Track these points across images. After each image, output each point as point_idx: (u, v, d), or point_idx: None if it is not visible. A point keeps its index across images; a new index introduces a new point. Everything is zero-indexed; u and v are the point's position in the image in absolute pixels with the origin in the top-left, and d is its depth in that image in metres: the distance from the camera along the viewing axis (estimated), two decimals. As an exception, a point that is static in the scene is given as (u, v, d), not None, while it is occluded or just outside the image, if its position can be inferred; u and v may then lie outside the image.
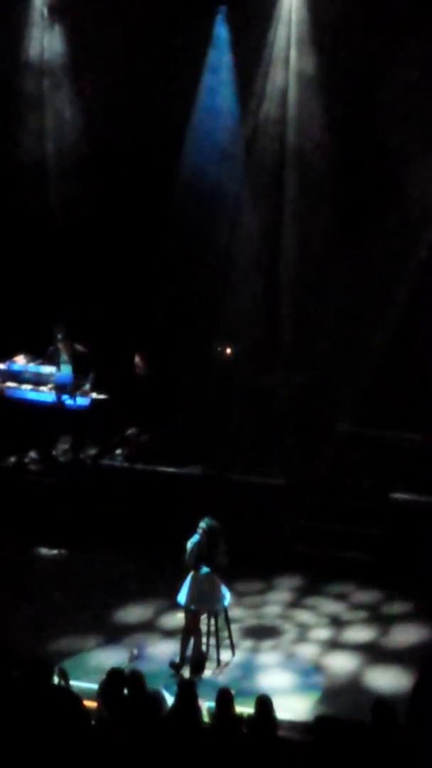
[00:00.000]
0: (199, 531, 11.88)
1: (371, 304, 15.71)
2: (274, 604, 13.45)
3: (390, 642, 12.57)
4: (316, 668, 11.96)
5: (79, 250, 16.73)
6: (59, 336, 15.36)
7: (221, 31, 16.33)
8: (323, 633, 12.72)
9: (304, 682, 11.66)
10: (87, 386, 15.25)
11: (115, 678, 8.99)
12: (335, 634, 12.72)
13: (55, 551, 14.63)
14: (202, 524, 11.90)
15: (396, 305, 15.58)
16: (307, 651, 12.32)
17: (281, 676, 11.78)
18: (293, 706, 10.82)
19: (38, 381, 15.51)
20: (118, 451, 15.53)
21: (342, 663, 12.08)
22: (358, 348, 15.69)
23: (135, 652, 10.32)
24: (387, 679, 11.59)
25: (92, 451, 15.52)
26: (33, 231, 17.10)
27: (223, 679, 11.48)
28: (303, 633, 12.72)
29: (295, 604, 13.45)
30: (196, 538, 11.88)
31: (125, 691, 8.99)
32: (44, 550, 14.64)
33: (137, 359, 15.56)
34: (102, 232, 16.54)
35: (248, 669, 11.90)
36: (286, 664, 12.03)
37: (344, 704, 10.92)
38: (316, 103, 16.02)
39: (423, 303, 15.43)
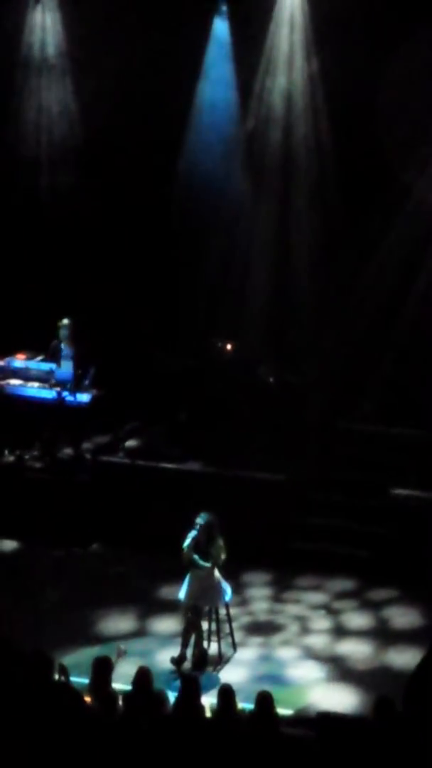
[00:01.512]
0: (197, 526, 11.88)
1: (374, 300, 15.71)
2: (276, 599, 13.45)
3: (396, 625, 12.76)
4: (336, 657, 12.06)
5: (79, 245, 16.73)
6: (64, 331, 15.32)
7: (221, 27, 16.32)
8: (325, 625, 12.82)
9: (328, 671, 11.80)
10: (86, 382, 15.22)
11: (101, 667, 9.02)
12: (337, 625, 12.81)
13: (55, 547, 14.61)
14: (199, 520, 11.90)
15: (398, 301, 15.58)
16: (316, 643, 12.39)
17: (307, 667, 11.87)
18: (324, 696, 11.10)
19: (38, 378, 15.47)
20: (120, 446, 15.52)
21: (358, 649, 12.22)
22: (361, 344, 15.69)
23: (123, 647, 10.26)
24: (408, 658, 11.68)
25: (92, 448, 15.51)
26: (32, 227, 17.08)
27: (234, 676, 11.48)
28: (304, 626, 12.77)
29: (294, 599, 13.45)
30: (193, 533, 11.88)
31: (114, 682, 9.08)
32: (45, 547, 14.61)
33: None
34: (102, 228, 16.54)
35: (270, 663, 11.98)
36: (305, 656, 12.12)
37: (373, 687, 11.00)
38: (316, 100, 16.02)
39: (425, 299, 15.43)
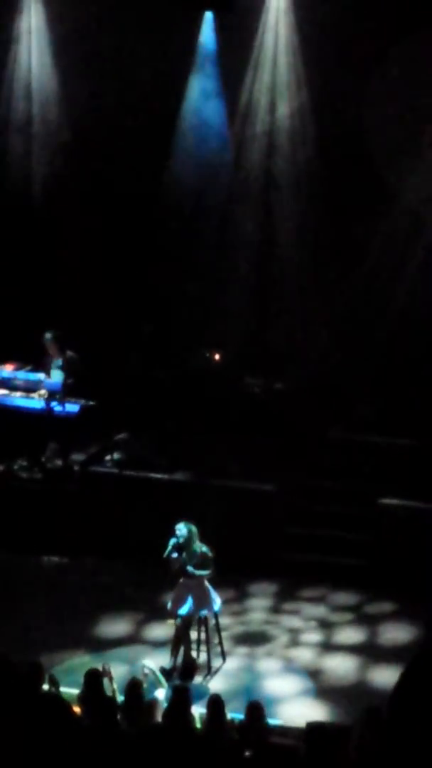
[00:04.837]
0: (177, 535, 11.88)
1: (362, 309, 15.74)
2: (265, 609, 13.44)
3: (384, 641, 12.68)
4: (315, 671, 12.00)
5: (66, 253, 16.73)
6: (48, 340, 15.35)
7: (208, 37, 16.35)
8: (315, 637, 12.77)
9: (306, 685, 11.72)
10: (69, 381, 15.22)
11: (92, 680, 9.03)
12: (327, 637, 12.77)
13: (43, 558, 14.58)
14: (180, 527, 11.90)
15: (387, 310, 15.60)
16: (303, 655, 12.35)
17: (282, 681, 11.81)
18: (299, 711, 10.96)
19: (27, 388, 15.47)
20: (108, 458, 15.51)
21: (339, 665, 12.14)
22: (350, 354, 15.72)
23: (107, 668, 10.18)
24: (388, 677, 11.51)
25: (81, 458, 15.50)
26: (20, 233, 17.08)
27: (224, 686, 11.49)
28: (294, 638, 12.74)
29: (285, 609, 13.44)
30: (173, 541, 11.88)
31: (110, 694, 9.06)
32: (33, 557, 14.58)
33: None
34: (89, 236, 16.55)
35: (248, 676, 11.92)
36: (285, 669, 12.07)
37: (349, 705, 10.95)
38: (303, 106, 16.05)
39: (414, 308, 15.45)
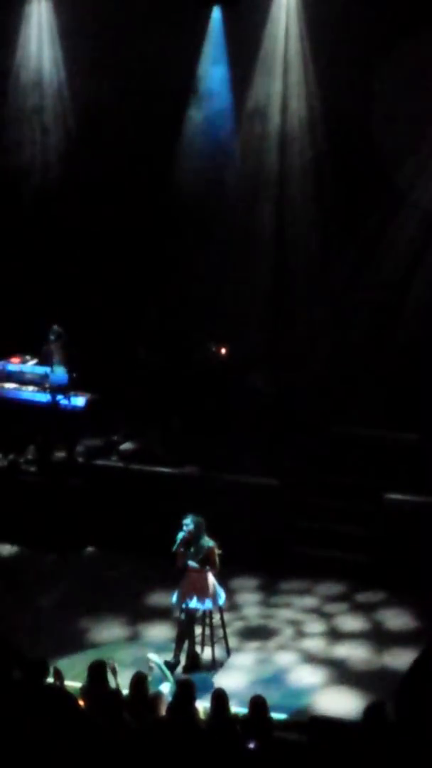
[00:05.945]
0: (184, 528, 11.91)
1: (367, 303, 15.75)
2: (270, 603, 13.46)
3: (388, 627, 12.80)
4: (333, 661, 12.05)
5: (73, 247, 16.77)
6: (52, 337, 15.42)
7: (217, 31, 16.35)
8: (319, 627, 12.82)
9: (329, 675, 11.78)
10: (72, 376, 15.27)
11: (97, 671, 9.06)
12: (331, 626, 12.83)
13: (49, 551, 14.62)
14: (187, 521, 11.93)
15: (395, 304, 15.61)
16: (315, 645, 12.39)
17: (304, 672, 11.86)
18: (330, 700, 11.10)
19: (33, 381, 15.52)
20: (113, 451, 15.54)
21: (354, 652, 12.22)
22: (354, 348, 15.73)
23: (112, 662, 10.21)
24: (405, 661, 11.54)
25: (86, 451, 15.52)
26: (25, 230, 17.11)
27: (244, 681, 11.53)
28: (299, 629, 12.76)
29: (289, 603, 13.44)
30: (181, 534, 11.91)
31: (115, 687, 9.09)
32: (39, 551, 14.62)
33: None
34: (97, 230, 16.58)
35: (269, 669, 11.93)
36: (303, 660, 12.10)
37: (375, 691, 10.98)
38: (311, 101, 16.05)
39: (418, 303, 15.46)
